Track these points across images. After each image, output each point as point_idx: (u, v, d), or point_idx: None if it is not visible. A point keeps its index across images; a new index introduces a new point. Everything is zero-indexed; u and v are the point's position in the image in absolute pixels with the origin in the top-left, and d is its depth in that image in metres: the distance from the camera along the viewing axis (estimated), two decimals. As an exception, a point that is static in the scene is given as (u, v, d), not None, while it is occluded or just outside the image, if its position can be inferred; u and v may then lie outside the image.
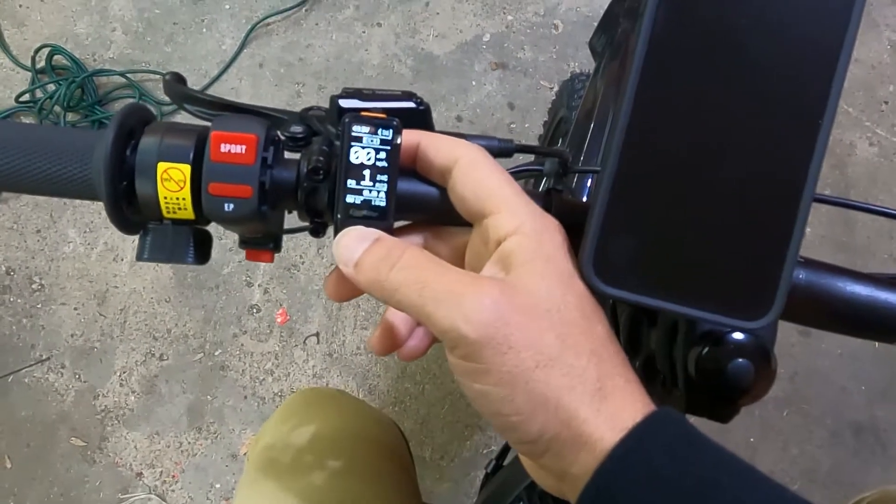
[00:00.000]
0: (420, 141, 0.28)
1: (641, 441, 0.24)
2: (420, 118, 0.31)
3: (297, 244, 1.24)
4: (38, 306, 1.21)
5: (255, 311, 1.22)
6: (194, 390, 1.19)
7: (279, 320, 1.22)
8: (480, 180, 0.27)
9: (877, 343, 1.25)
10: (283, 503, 0.45)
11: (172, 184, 0.28)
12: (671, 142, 0.26)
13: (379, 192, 0.28)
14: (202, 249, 0.30)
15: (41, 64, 1.27)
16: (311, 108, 0.32)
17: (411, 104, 0.30)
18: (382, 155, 0.28)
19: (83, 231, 1.24)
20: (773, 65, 0.25)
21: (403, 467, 0.54)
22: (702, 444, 0.24)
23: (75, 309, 1.21)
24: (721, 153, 0.26)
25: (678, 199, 0.26)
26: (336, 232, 0.28)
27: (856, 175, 1.32)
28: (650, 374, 0.39)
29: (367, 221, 0.28)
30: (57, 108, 1.26)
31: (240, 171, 0.27)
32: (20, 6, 1.33)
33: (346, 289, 0.30)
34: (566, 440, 0.24)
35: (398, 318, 0.32)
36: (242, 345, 1.21)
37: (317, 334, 1.22)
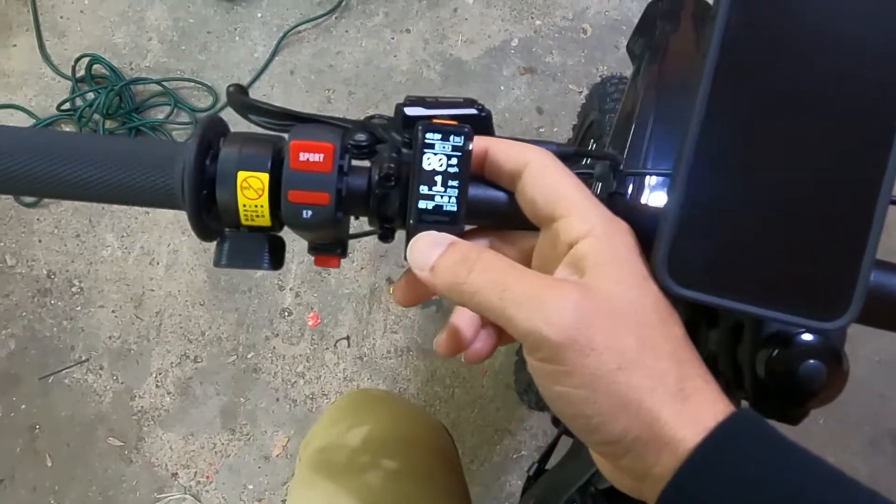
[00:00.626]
0: (489, 146, 0.29)
1: (724, 442, 0.24)
2: (482, 124, 0.31)
3: (328, 248, 1.25)
4: (78, 309, 1.24)
5: (286, 314, 1.23)
6: (227, 392, 1.21)
7: (310, 324, 1.23)
8: (551, 184, 0.27)
9: (916, 349, 1.22)
10: (338, 502, 0.46)
11: (252, 192, 0.28)
12: (745, 144, 0.26)
13: (450, 197, 0.28)
14: (277, 255, 0.31)
15: (81, 73, 1.31)
16: (373, 117, 0.32)
17: (474, 111, 0.31)
18: (454, 161, 0.28)
19: (121, 235, 1.27)
20: (848, 66, 0.25)
21: (454, 470, 0.54)
22: (786, 447, 0.24)
23: (113, 311, 1.24)
24: (796, 155, 0.26)
25: (753, 200, 0.26)
26: (408, 237, 0.29)
27: None
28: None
29: (438, 226, 0.29)
30: (96, 116, 1.29)
31: (318, 178, 0.28)
32: (61, 17, 1.37)
33: (416, 293, 0.31)
34: (648, 441, 0.24)
35: (464, 321, 0.32)
36: (274, 348, 1.22)
37: (347, 338, 1.23)
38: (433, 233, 0.28)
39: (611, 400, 0.24)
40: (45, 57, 1.34)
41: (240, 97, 0.35)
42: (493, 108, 1.34)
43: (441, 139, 0.28)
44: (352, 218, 0.33)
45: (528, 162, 0.28)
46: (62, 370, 1.21)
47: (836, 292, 0.26)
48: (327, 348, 1.22)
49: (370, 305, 1.24)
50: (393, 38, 1.38)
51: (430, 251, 0.27)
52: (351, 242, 1.30)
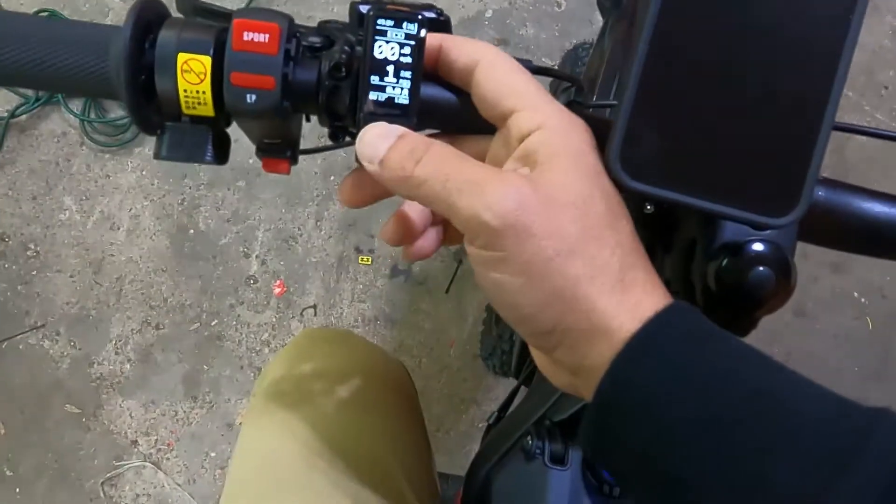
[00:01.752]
0: (442, 43, 0.28)
1: (660, 331, 0.24)
2: (441, 30, 0.30)
3: (296, 216, 1.23)
4: (34, 273, 1.20)
5: (252, 282, 1.21)
6: (190, 360, 1.18)
7: (276, 292, 1.21)
8: (501, 78, 0.27)
9: (870, 324, 1.26)
10: (290, 431, 0.45)
11: (193, 76, 0.27)
12: (700, 39, 0.26)
13: (403, 88, 0.27)
14: (221, 149, 0.30)
15: None
16: (329, 21, 0.31)
17: (433, 14, 0.30)
18: (407, 50, 0.27)
19: (79, 199, 1.23)
20: None
21: (410, 403, 0.54)
22: (720, 335, 0.24)
23: (71, 277, 1.20)
24: (750, 54, 0.26)
25: (706, 94, 0.26)
26: (358, 129, 0.28)
27: (854, 159, 1.32)
28: None
29: (390, 119, 0.28)
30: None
31: (263, 60, 0.27)
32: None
33: (364, 193, 0.30)
34: (583, 331, 0.24)
35: (414, 211, 0.31)
36: (239, 315, 1.20)
37: (314, 306, 1.22)
38: (383, 124, 0.27)
39: (544, 287, 0.24)
40: None
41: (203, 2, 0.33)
42: (466, 78, 1.33)
43: (393, 25, 0.27)
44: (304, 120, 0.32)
45: (479, 58, 0.27)
46: (17, 336, 1.18)
47: (784, 189, 0.26)
48: (293, 317, 1.21)
49: (338, 274, 1.23)
50: (365, 5, 1.35)
51: (379, 143, 0.27)
52: (319, 209, 1.28)
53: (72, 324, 1.19)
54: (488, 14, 1.37)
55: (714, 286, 0.30)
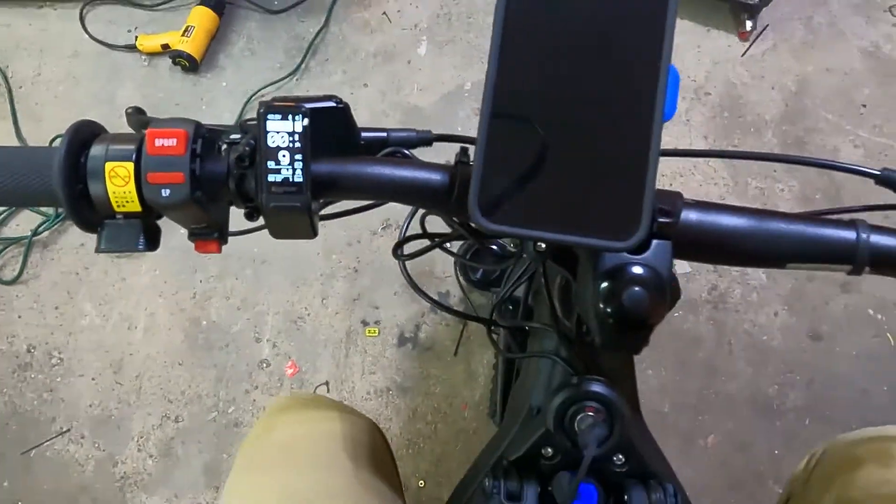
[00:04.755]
0: None
1: None
2: (341, 114, 0.35)
3: (302, 297, 1.28)
4: (58, 380, 1.25)
5: (264, 365, 1.24)
6: (210, 449, 1.20)
7: (289, 373, 1.24)
8: None
9: (892, 340, 1.22)
10: (263, 496, 0.47)
11: (119, 180, 0.32)
12: (532, 98, 0.30)
13: (296, 170, 0.32)
14: (152, 238, 0.35)
15: (56, 153, 1.37)
16: (249, 119, 0.36)
17: (332, 103, 0.35)
18: (296, 137, 0.32)
19: (98, 304, 1.30)
20: (610, 26, 0.29)
21: (380, 461, 0.55)
22: None
23: (93, 379, 1.25)
24: (576, 102, 0.30)
25: (545, 143, 0.30)
26: (263, 210, 0.32)
27: (843, 177, 1.33)
28: (582, 330, 0.41)
29: (288, 196, 0.32)
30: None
31: (172, 161, 0.32)
32: (36, 104, 1.45)
33: None
34: None
35: None
36: (255, 400, 1.22)
37: (326, 383, 1.23)
38: None
39: None
40: (21, 141, 1.40)
41: (137, 117, 0.39)
42: (453, 147, 1.39)
43: (281, 119, 0.32)
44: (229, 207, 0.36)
45: None
46: (44, 443, 1.21)
47: (625, 217, 0.30)
48: (307, 396, 1.22)
49: (347, 349, 1.25)
50: (352, 94, 1.45)
51: None
52: (324, 288, 1.32)
53: (95, 425, 1.22)
54: (467, 86, 1.45)
55: (601, 307, 0.32)
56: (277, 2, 1.52)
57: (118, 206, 0.33)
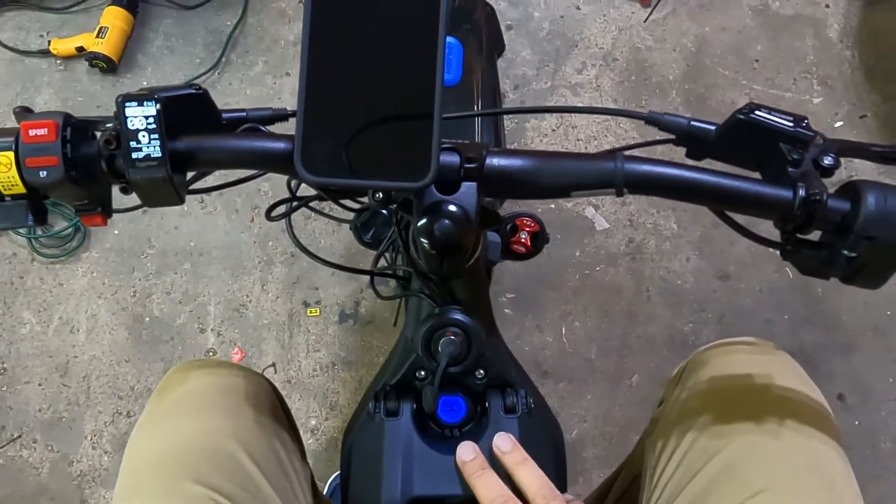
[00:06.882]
0: None
1: None
2: (200, 100, 0.40)
3: (242, 285, 1.31)
4: (4, 388, 1.26)
5: (211, 353, 1.28)
6: (164, 440, 1.23)
7: (236, 358, 1.28)
8: None
9: (791, 274, 1.34)
10: (168, 440, 0.52)
11: (3, 167, 0.38)
12: (340, 70, 0.36)
13: (154, 146, 0.37)
14: (39, 215, 0.40)
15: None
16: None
17: (190, 90, 0.40)
18: (151, 119, 0.37)
19: (37, 311, 1.31)
20: (399, 9, 0.36)
21: (278, 409, 0.60)
22: None
23: (39, 385, 1.26)
24: (375, 71, 0.36)
25: (352, 107, 0.36)
26: (132, 185, 0.38)
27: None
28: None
29: (150, 169, 0.38)
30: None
31: (45, 147, 0.37)
32: (-49, 116, 1.43)
33: None
34: None
35: None
36: (204, 388, 1.26)
37: (273, 364, 1.28)
38: None
39: None
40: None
41: (25, 115, 0.43)
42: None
43: (137, 105, 0.37)
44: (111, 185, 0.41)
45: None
46: (-5, 451, 1.22)
47: (419, 164, 0.36)
48: (256, 379, 1.27)
49: (290, 331, 1.30)
50: (275, 83, 1.47)
51: None
52: (263, 274, 1.37)
53: (46, 429, 1.24)
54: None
55: (422, 240, 0.39)
56: (191, -3, 1.52)
57: (5, 190, 0.38)
